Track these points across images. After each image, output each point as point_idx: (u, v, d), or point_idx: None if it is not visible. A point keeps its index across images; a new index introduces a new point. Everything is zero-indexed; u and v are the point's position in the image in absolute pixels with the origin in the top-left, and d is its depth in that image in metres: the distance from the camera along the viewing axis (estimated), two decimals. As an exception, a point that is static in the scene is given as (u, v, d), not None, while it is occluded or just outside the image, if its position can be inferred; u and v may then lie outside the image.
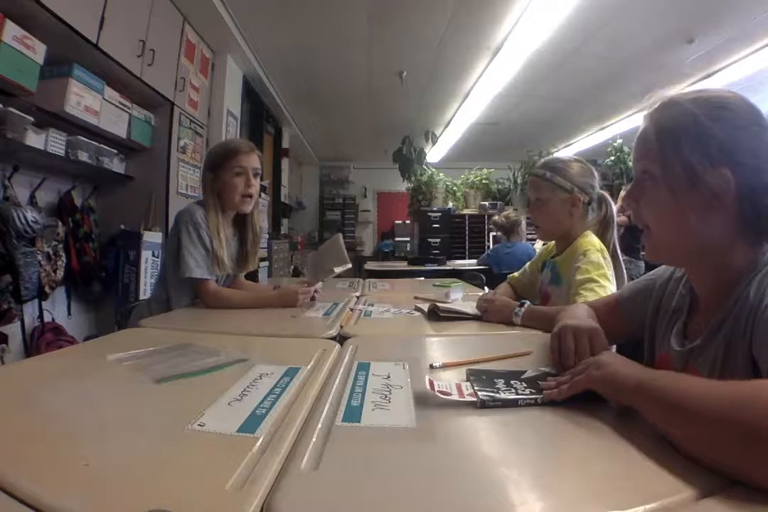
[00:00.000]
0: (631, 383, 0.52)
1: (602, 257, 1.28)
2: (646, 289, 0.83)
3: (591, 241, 1.33)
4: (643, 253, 3.89)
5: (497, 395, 0.62)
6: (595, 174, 1.41)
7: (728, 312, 0.60)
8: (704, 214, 0.62)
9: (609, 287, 1.21)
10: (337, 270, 1.54)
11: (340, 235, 1.68)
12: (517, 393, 0.62)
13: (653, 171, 0.65)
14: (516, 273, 1.69)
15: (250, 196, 1.49)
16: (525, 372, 0.71)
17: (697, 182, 0.61)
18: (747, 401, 0.40)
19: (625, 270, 1.36)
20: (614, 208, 1.43)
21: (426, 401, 0.61)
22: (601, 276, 1.23)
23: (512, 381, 0.67)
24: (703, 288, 0.69)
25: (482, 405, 0.60)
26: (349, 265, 1.59)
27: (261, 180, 1.64)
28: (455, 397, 0.61)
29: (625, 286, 0.92)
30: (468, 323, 1.20)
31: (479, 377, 0.69)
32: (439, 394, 0.61)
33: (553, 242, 1.51)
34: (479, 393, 0.62)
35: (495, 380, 0.67)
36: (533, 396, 0.61)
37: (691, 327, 0.70)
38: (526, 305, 1.14)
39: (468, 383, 0.66)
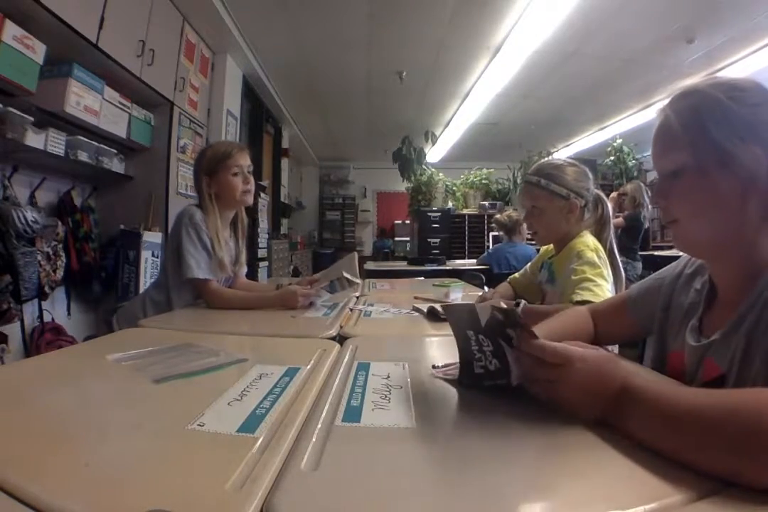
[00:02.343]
0: (595, 414, 0.51)
1: (597, 256, 1.27)
2: (653, 288, 0.82)
3: (585, 241, 1.33)
4: (640, 253, 3.90)
5: (469, 372, 0.67)
6: (590, 175, 1.40)
7: (751, 306, 0.59)
8: (742, 198, 0.60)
9: (605, 286, 1.21)
10: (348, 276, 1.54)
11: (355, 254, 1.72)
12: (488, 369, 0.63)
13: (684, 161, 0.63)
14: (517, 274, 1.70)
15: (250, 191, 1.56)
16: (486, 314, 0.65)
17: (731, 162, 0.60)
18: (740, 410, 0.41)
19: (622, 270, 1.36)
20: (610, 207, 1.43)
21: (426, 401, 0.61)
22: (597, 275, 1.23)
23: (480, 337, 0.64)
24: (726, 281, 0.68)
25: (460, 385, 0.68)
26: (359, 282, 1.62)
27: (260, 180, 1.66)
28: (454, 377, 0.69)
29: (632, 286, 0.91)
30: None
31: (460, 338, 0.69)
32: (442, 375, 0.69)
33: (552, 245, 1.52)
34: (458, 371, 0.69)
35: (469, 332, 0.65)
36: (494, 380, 0.63)
37: (707, 322, 0.69)
38: (522, 304, 1.14)
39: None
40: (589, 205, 1.39)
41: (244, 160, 1.54)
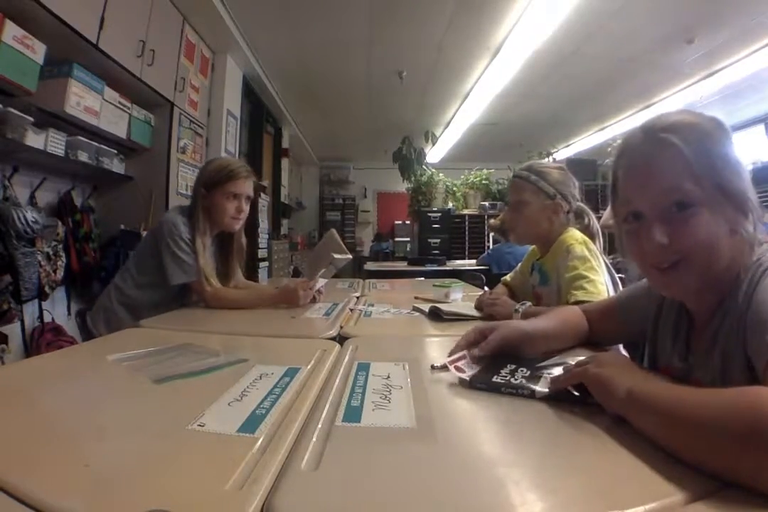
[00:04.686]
0: (623, 393, 0.52)
1: (586, 249, 1.27)
2: (644, 294, 0.82)
3: (573, 235, 1.33)
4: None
5: (485, 378, 0.67)
6: (576, 184, 1.40)
7: (721, 323, 0.60)
8: (741, 223, 0.60)
9: (598, 279, 1.21)
10: (339, 256, 1.54)
11: (334, 231, 1.70)
12: (509, 381, 0.65)
13: (695, 193, 0.59)
14: (508, 277, 1.69)
15: (239, 219, 1.53)
16: (548, 359, 0.74)
17: (731, 198, 0.60)
18: (741, 407, 0.41)
19: (614, 274, 1.35)
20: (594, 218, 1.42)
21: (426, 401, 0.61)
22: (589, 269, 1.22)
23: (521, 369, 0.70)
24: (695, 302, 0.68)
25: (469, 386, 0.66)
26: (350, 256, 1.60)
27: (260, 180, 1.64)
28: (465, 375, 0.69)
29: (623, 290, 0.92)
30: (469, 323, 1.20)
31: (495, 359, 0.74)
32: (453, 368, 0.70)
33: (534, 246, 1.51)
34: (473, 373, 0.69)
35: (509, 365, 0.71)
36: (516, 389, 0.63)
37: (693, 339, 0.69)
38: (526, 306, 1.15)
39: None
40: (572, 214, 1.38)
41: (244, 189, 1.50)
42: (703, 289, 0.64)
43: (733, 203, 0.60)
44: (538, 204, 1.35)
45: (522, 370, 0.69)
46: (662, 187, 0.61)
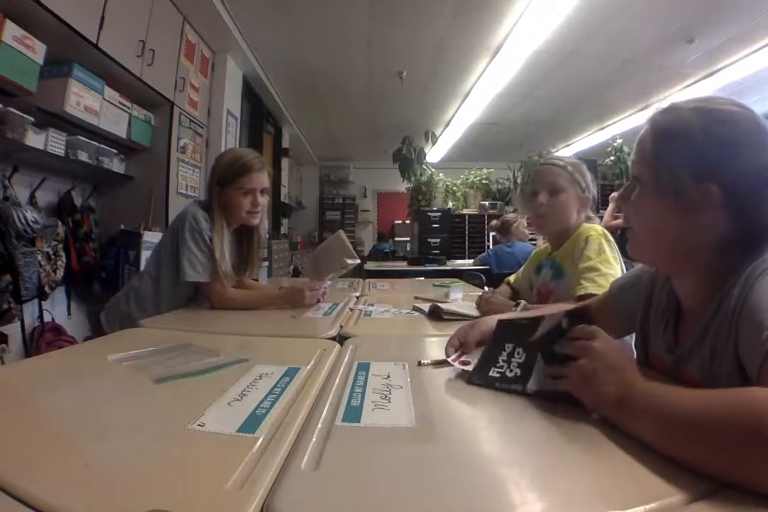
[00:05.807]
0: (611, 400, 0.52)
1: (605, 240, 1.26)
2: (633, 285, 0.82)
3: (593, 226, 1.31)
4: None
5: (483, 373, 0.69)
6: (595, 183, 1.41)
7: (712, 319, 0.60)
8: (689, 219, 0.61)
9: (611, 273, 1.19)
10: (349, 261, 1.53)
11: (342, 232, 1.68)
12: (504, 374, 0.67)
13: (643, 176, 0.67)
14: (511, 277, 1.68)
15: (256, 213, 1.49)
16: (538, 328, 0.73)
17: (682, 193, 0.61)
18: (738, 409, 0.40)
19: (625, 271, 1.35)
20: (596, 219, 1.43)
21: (426, 401, 0.62)
22: (603, 261, 1.21)
23: (518, 349, 0.70)
24: (688, 295, 0.68)
25: (468, 382, 0.68)
26: (358, 260, 1.60)
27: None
28: (470, 368, 0.71)
29: (612, 283, 0.92)
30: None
31: (495, 341, 0.75)
32: (457, 364, 0.72)
33: (547, 244, 1.50)
34: (471, 369, 0.71)
35: (507, 345, 0.71)
36: (509, 384, 0.65)
37: (682, 330, 0.69)
38: (522, 305, 1.15)
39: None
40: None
41: (258, 182, 1.45)
42: (663, 264, 0.70)
43: (680, 201, 0.61)
44: (573, 193, 1.34)
45: (518, 352, 0.69)
46: (632, 160, 0.70)
